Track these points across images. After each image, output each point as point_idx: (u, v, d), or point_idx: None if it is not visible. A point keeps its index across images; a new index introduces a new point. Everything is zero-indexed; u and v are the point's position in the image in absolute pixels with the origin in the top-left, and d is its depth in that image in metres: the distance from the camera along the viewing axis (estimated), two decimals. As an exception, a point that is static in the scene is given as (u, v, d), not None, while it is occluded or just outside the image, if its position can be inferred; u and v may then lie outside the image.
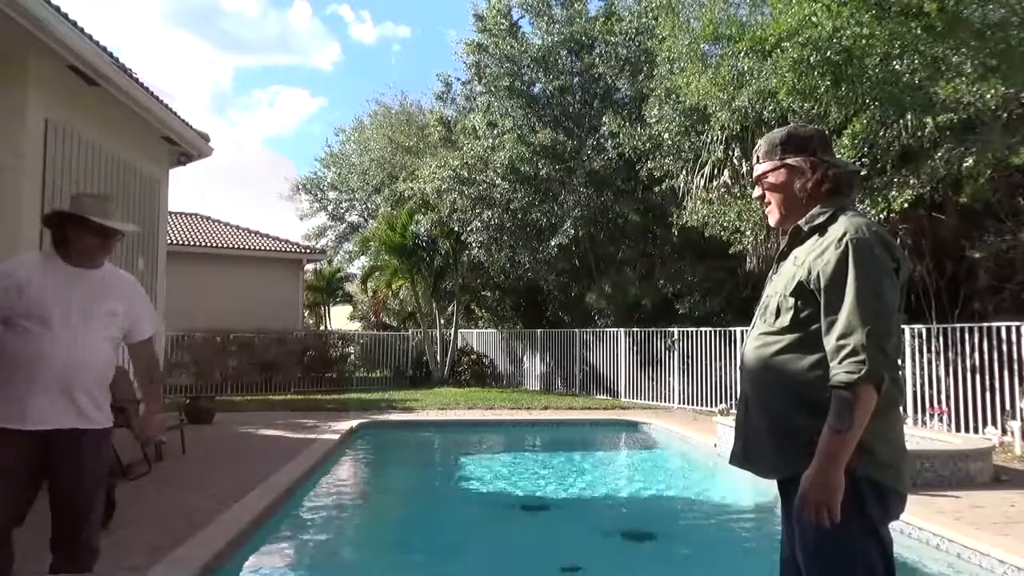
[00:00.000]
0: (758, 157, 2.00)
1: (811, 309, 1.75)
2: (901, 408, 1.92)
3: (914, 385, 8.62)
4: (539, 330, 16.57)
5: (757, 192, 2.03)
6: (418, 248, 16.62)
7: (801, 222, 1.88)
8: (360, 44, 73.12)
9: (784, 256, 1.94)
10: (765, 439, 1.84)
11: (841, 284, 1.68)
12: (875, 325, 1.62)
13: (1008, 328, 7.86)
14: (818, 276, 1.73)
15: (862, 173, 8.07)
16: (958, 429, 8.08)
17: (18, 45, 5.32)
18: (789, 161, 1.91)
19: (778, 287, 1.87)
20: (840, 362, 1.62)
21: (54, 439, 2.52)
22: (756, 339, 1.89)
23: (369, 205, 27.00)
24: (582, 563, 4.18)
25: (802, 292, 1.77)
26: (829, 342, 1.67)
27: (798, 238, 1.89)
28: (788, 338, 1.79)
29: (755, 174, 2.01)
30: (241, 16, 78.82)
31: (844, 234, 1.72)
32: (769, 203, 1.99)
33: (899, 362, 1.73)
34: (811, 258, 1.77)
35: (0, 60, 5.49)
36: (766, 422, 1.83)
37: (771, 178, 1.95)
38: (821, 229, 1.82)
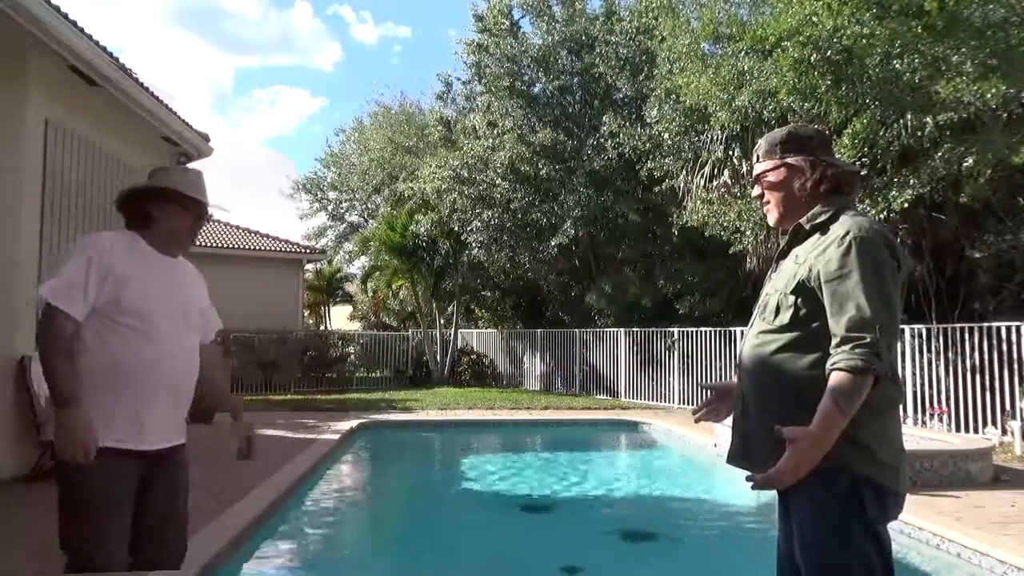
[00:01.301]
0: (758, 156, 2.01)
1: (811, 307, 1.75)
2: (900, 408, 1.91)
3: (914, 385, 8.62)
4: (539, 330, 16.57)
5: (756, 191, 2.03)
6: (418, 248, 16.62)
7: (803, 220, 1.88)
8: (361, 44, 73.24)
9: (784, 255, 1.95)
10: (763, 438, 1.83)
11: (846, 279, 1.67)
12: (885, 322, 1.62)
13: (1008, 328, 7.86)
14: (819, 274, 1.73)
15: (862, 173, 8.07)
16: (958, 429, 8.08)
17: (18, 45, 5.33)
18: (789, 160, 1.91)
19: (778, 285, 1.87)
20: (852, 349, 1.61)
21: (156, 457, 2.20)
22: (755, 337, 1.89)
23: (369, 205, 27.03)
24: (582, 563, 4.17)
25: (803, 290, 1.77)
26: (838, 331, 1.65)
27: (799, 237, 1.90)
28: (787, 336, 1.79)
29: (755, 173, 2.02)
30: (242, 16, 78.92)
31: (847, 232, 1.72)
32: (768, 202, 1.99)
33: (897, 361, 1.73)
34: (813, 256, 1.77)
35: (0, 60, 5.50)
36: (764, 420, 1.83)
37: (770, 177, 1.96)
38: (823, 228, 1.82)
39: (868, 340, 1.60)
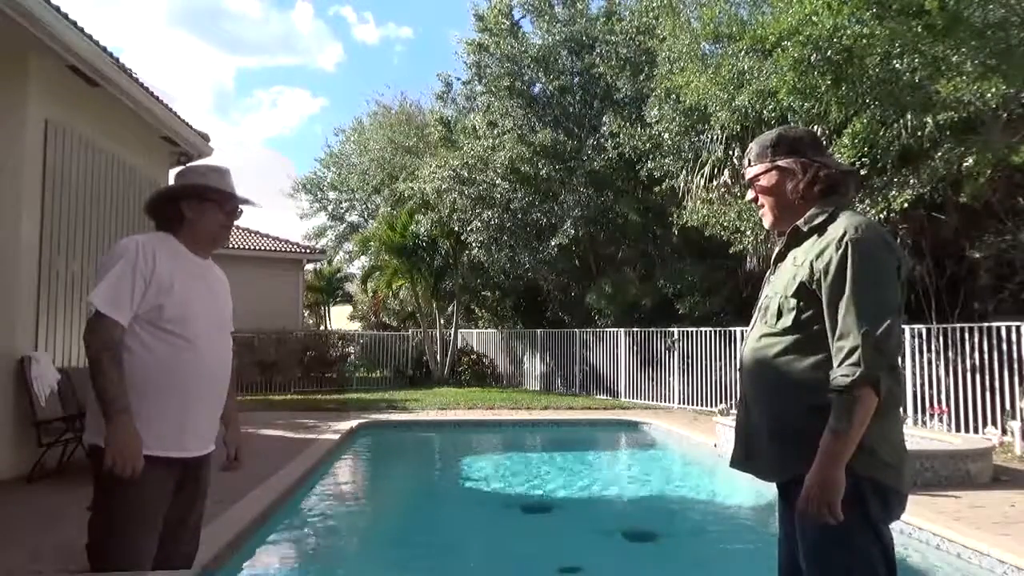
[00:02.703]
0: (749, 160, 2.00)
1: (812, 310, 1.75)
2: (902, 408, 1.89)
3: (914, 385, 8.62)
4: (539, 330, 16.56)
5: (750, 195, 2.03)
6: (418, 248, 16.62)
7: (800, 222, 1.87)
8: (363, 45, 73.20)
9: (782, 257, 1.94)
10: (766, 441, 1.83)
11: (841, 284, 1.67)
12: (872, 326, 1.61)
13: (1008, 328, 7.85)
14: (820, 276, 1.72)
15: (862, 173, 8.07)
16: (958, 429, 8.07)
17: (18, 45, 5.33)
18: (779, 163, 1.91)
19: (778, 288, 1.86)
20: (839, 364, 1.63)
21: (193, 464, 2.19)
22: (756, 340, 1.88)
23: (369, 205, 27.01)
24: (582, 563, 4.17)
25: (803, 292, 1.77)
26: (833, 344, 1.68)
27: (796, 239, 1.89)
28: (789, 339, 1.78)
29: (747, 177, 2.01)
30: (244, 17, 78.91)
31: (844, 233, 1.72)
32: (763, 206, 1.99)
33: (899, 361, 1.73)
34: (811, 257, 1.77)
35: (0, 60, 5.50)
36: (767, 424, 1.83)
37: (763, 181, 1.95)
38: (820, 229, 1.82)
39: (849, 349, 1.62)
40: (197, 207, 2.23)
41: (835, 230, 1.75)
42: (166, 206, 2.26)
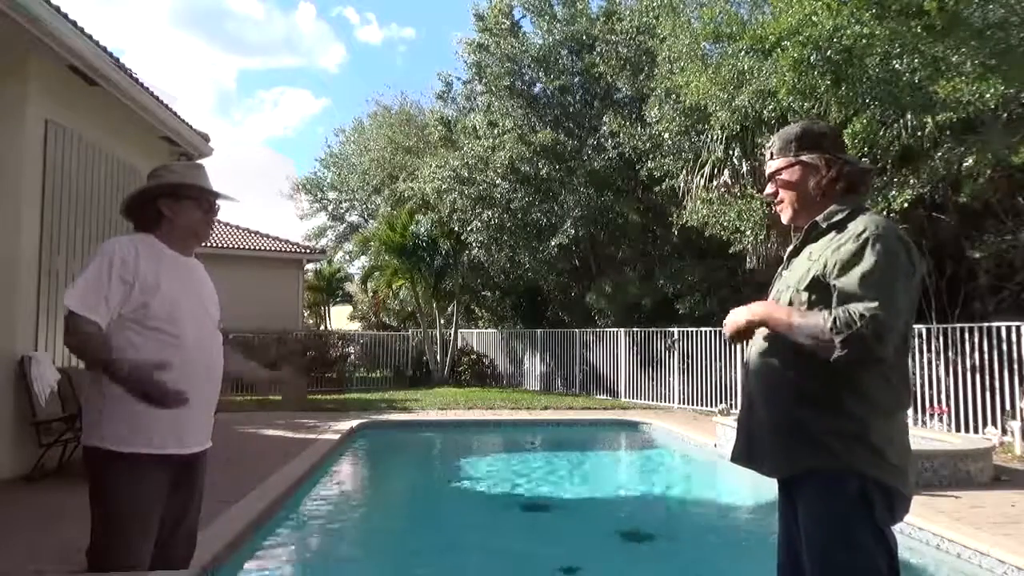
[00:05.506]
0: (771, 153, 1.98)
1: (824, 304, 1.72)
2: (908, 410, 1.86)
3: (914, 385, 8.62)
4: (539, 330, 16.56)
5: (770, 189, 2.00)
6: (418, 248, 16.61)
7: (819, 218, 1.86)
8: (366, 45, 73.27)
9: (796, 253, 1.93)
10: (769, 437, 1.82)
11: (856, 267, 1.66)
12: (883, 312, 1.58)
13: (1008, 328, 7.86)
14: (834, 268, 1.71)
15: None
16: (958, 429, 8.08)
17: (18, 45, 5.33)
18: (804, 158, 1.89)
19: (790, 282, 1.85)
20: (848, 310, 1.60)
21: (189, 461, 2.21)
22: (765, 336, 1.86)
23: (369, 205, 27.02)
24: (582, 564, 4.17)
25: (816, 287, 1.75)
26: (840, 306, 1.64)
27: (812, 235, 1.88)
28: None
29: (768, 170, 1.99)
30: (246, 18, 78.94)
31: (865, 229, 1.71)
32: (782, 200, 1.97)
33: (908, 361, 1.71)
34: (828, 252, 1.75)
35: (0, 60, 5.49)
36: (771, 419, 1.81)
37: (785, 175, 1.93)
38: (839, 226, 1.80)
39: (863, 318, 1.57)
40: (175, 205, 2.24)
41: (855, 227, 1.74)
42: (144, 207, 2.27)
